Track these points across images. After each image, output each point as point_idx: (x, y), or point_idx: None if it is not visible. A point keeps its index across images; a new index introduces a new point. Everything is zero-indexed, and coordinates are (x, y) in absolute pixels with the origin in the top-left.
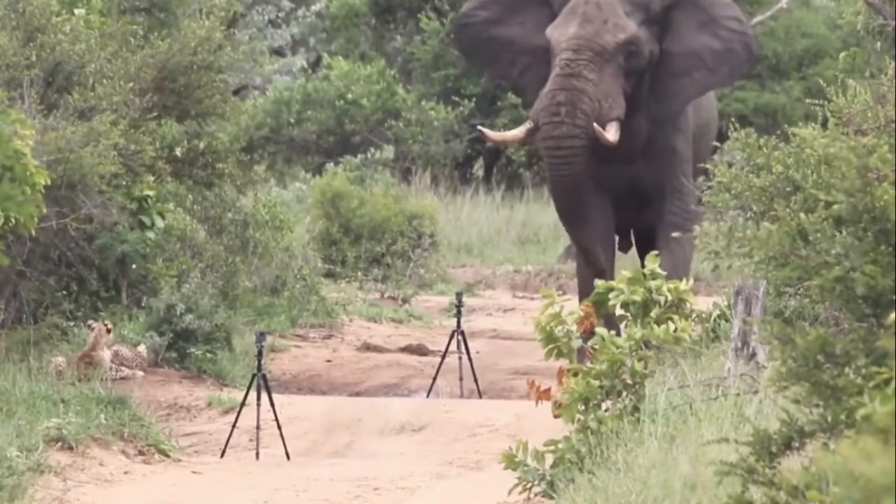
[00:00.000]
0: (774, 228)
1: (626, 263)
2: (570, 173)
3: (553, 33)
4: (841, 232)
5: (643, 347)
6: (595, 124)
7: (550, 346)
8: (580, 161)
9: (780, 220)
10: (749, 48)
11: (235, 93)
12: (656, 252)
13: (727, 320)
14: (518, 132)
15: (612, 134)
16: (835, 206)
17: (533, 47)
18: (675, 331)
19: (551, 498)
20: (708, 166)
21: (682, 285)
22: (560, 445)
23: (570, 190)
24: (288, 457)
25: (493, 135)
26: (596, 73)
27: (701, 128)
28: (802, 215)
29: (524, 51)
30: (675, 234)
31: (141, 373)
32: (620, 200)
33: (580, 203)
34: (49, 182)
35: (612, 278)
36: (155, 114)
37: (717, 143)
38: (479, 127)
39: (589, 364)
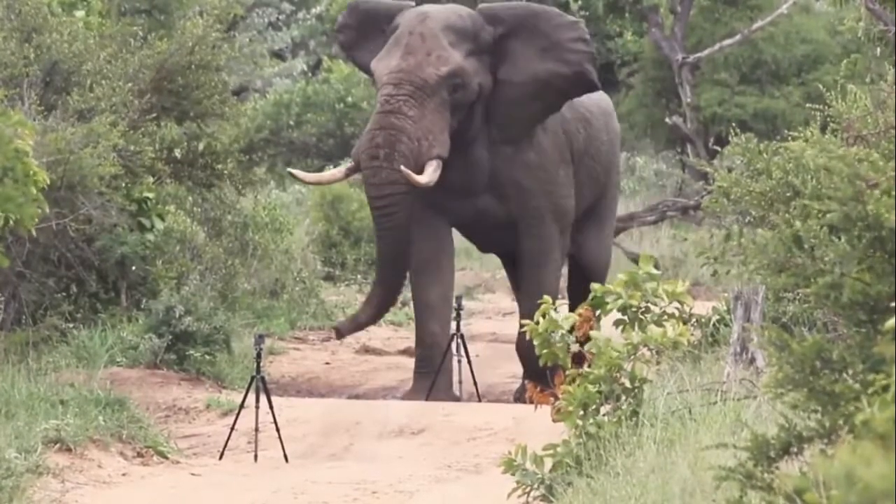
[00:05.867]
0: (770, 237)
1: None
2: (392, 225)
3: (377, 66)
4: (840, 238)
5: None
6: (403, 168)
7: (546, 352)
8: (403, 209)
9: (776, 228)
10: (595, 63)
11: (236, 94)
12: (650, 254)
13: (726, 325)
14: (337, 172)
15: (427, 175)
16: (829, 215)
17: None
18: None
19: (550, 502)
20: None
21: (679, 287)
22: (559, 449)
23: (396, 243)
24: (286, 459)
25: (308, 176)
26: (416, 110)
27: (588, 144)
28: (798, 223)
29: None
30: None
31: None
32: (473, 231)
33: (412, 253)
34: (48, 183)
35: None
36: (154, 115)
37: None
38: (289, 170)
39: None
